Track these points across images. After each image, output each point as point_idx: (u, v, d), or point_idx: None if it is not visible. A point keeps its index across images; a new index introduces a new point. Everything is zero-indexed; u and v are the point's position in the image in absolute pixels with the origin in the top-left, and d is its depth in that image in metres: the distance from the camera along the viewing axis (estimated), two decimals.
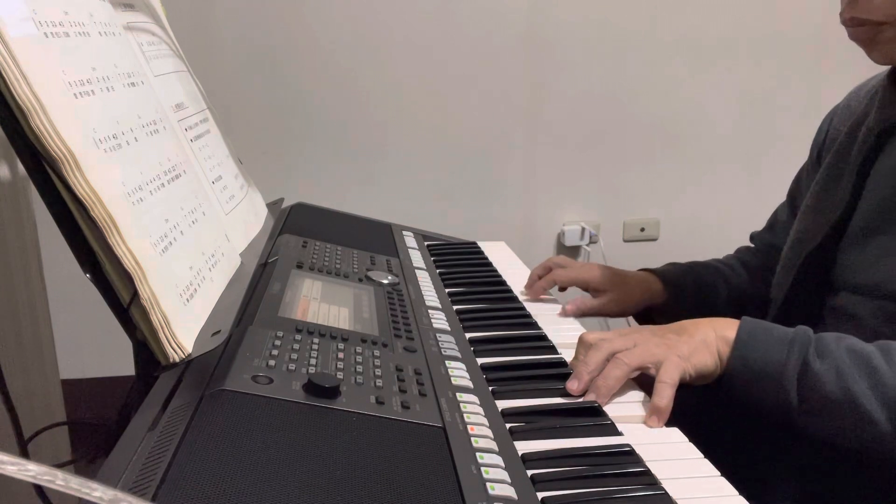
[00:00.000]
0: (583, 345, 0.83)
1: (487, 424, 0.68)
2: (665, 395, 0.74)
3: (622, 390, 0.79)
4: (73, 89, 0.60)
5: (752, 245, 1.22)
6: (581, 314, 1.12)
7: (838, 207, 0.92)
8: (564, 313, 1.07)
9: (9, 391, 0.79)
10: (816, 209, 0.96)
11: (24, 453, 0.83)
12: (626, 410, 0.76)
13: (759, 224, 1.22)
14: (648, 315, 1.17)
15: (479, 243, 1.40)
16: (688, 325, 0.82)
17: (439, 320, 0.94)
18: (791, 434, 0.77)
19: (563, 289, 1.17)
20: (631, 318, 1.19)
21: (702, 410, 0.85)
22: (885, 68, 0.94)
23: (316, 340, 0.75)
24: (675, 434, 0.73)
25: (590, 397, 0.76)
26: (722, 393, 0.79)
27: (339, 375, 0.68)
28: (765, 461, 0.92)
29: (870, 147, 0.91)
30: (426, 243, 1.36)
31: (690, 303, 1.14)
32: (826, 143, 1.03)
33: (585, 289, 1.14)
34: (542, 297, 1.13)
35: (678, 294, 1.14)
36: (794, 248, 0.98)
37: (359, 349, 0.76)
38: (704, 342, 0.79)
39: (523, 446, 0.67)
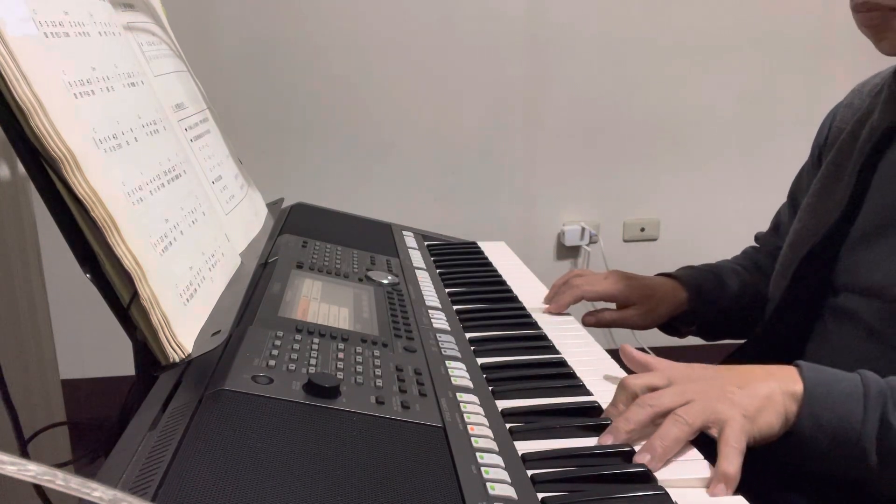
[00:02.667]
0: (624, 391, 0.73)
1: (487, 424, 0.68)
2: (734, 461, 0.64)
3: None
4: (73, 89, 0.60)
5: (758, 246, 1.21)
6: (602, 326, 1.09)
7: (839, 206, 0.91)
8: (584, 324, 1.04)
9: (9, 391, 0.79)
10: (816, 208, 0.95)
11: (24, 453, 0.83)
12: (680, 471, 0.67)
13: (759, 224, 1.22)
14: (672, 324, 1.14)
15: (479, 243, 1.40)
16: (748, 376, 0.72)
17: (439, 320, 0.94)
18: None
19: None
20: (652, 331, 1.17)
21: None
22: (889, 66, 0.93)
23: (316, 340, 0.75)
24: None
25: (642, 458, 0.65)
26: (784, 453, 0.71)
27: (339, 375, 0.68)
28: (768, 463, 0.91)
29: (874, 145, 0.89)
30: (426, 243, 1.36)
31: (715, 309, 1.11)
32: (828, 142, 1.02)
33: (611, 302, 1.11)
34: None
35: (703, 301, 1.11)
36: (793, 247, 0.97)
37: (359, 349, 0.76)
38: (770, 398, 0.69)
39: (523, 446, 0.67)
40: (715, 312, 1.12)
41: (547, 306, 1.08)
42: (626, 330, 1.59)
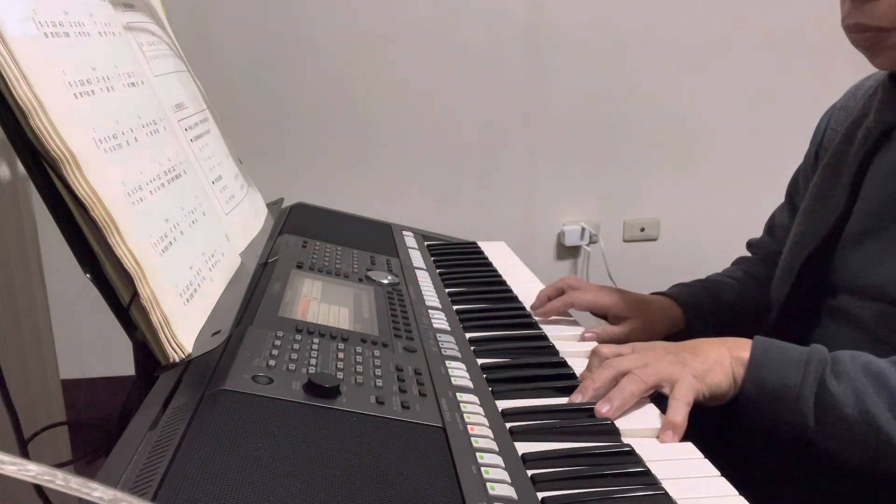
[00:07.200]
0: (596, 357, 0.82)
1: (487, 424, 0.68)
2: (681, 411, 0.73)
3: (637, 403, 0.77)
4: (73, 89, 0.60)
5: (751, 254, 1.19)
6: (601, 342, 1.04)
7: (837, 208, 0.91)
8: (583, 340, 0.99)
9: (9, 391, 0.79)
10: (815, 210, 0.95)
11: (24, 453, 0.83)
12: (638, 423, 0.74)
13: (759, 223, 1.21)
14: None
15: (479, 243, 1.40)
16: (702, 344, 0.80)
17: (439, 320, 0.94)
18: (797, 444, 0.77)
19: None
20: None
21: (703, 413, 0.84)
22: None
23: (316, 340, 0.75)
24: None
25: (602, 408, 0.74)
26: (736, 413, 0.78)
27: (339, 375, 0.68)
28: (766, 461, 0.92)
29: (868, 148, 0.90)
30: (426, 243, 1.36)
31: (712, 324, 1.08)
32: (823, 144, 1.02)
33: (604, 316, 1.07)
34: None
35: (699, 317, 1.08)
36: (793, 251, 0.97)
37: (359, 349, 0.76)
38: (719, 362, 0.77)
39: (523, 446, 0.67)
40: (712, 327, 1.08)
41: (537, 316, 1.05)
42: None
